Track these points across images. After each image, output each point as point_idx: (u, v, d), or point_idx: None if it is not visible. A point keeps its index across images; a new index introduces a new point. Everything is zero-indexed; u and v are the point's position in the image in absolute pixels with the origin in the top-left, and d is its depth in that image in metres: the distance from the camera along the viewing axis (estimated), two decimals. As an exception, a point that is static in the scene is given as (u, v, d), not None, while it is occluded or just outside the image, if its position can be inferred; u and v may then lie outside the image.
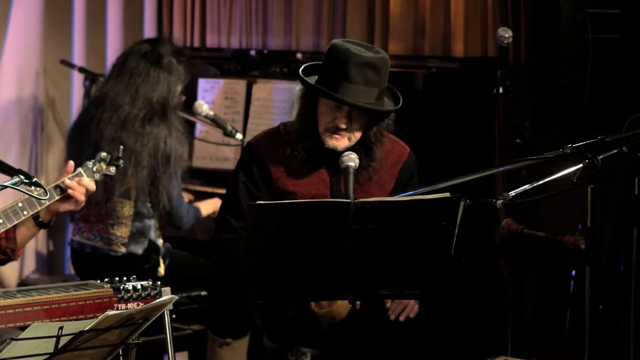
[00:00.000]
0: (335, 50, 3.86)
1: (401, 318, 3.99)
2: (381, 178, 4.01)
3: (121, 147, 3.89)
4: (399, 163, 4.05)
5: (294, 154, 3.97)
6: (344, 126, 3.87)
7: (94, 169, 3.79)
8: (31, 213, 3.56)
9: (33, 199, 3.51)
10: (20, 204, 3.53)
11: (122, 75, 4.91)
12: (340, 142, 3.89)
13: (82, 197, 3.63)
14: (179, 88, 4.97)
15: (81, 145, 4.89)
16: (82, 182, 3.64)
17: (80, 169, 3.78)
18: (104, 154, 3.85)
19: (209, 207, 5.20)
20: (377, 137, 3.95)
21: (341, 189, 3.87)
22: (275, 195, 3.98)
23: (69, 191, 3.60)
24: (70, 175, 3.70)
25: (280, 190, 3.98)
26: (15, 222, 3.55)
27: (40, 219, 3.65)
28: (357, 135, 3.91)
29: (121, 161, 3.88)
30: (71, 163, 3.69)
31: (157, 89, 4.87)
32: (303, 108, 3.96)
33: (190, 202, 5.24)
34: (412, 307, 3.99)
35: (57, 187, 3.59)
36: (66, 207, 3.64)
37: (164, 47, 4.96)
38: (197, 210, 5.15)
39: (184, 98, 5.06)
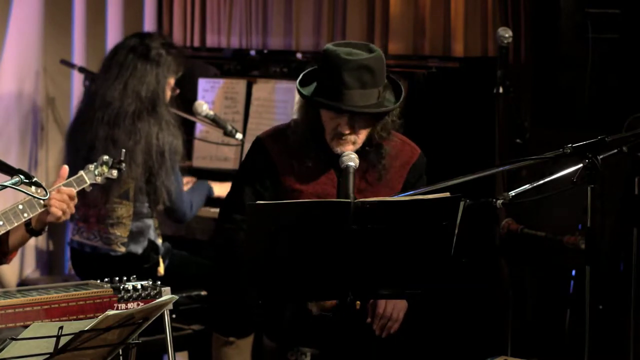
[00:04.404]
0: (328, 57, 3.84)
1: (384, 335, 3.97)
2: (391, 179, 4.00)
3: (123, 150, 3.89)
4: (408, 164, 4.03)
5: (302, 153, 3.96)
6: (347, 132, 3.86)
7: (96, 172, 3.79)
8: (31, 215, 3.55)
9: (33, 200, 3.50)
10: (20, 206, 3.53)
11: (110, 71, 4.91)
12: (346, 147, 3.88)
13: (62, 206, 3.59)
14: (170, 80, 4.95)
15: (77, 146, 4.88)
16: (62, 190, 3.62)
17: (81, 172, 3.77)
18: (105, 157, 3.84)
19: (223, 188, 5.16)
20: (381, 135, 3.94)
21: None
22: (280, 191, 3.97)
23: (48, 201, 3.55)
24: (71, 179, 3.69)
25: (285, 186, 3.98)
26: (16, 224, 3.54)
27: (31, 226, 3.64)
28: (362, 137, 3.90)
29: (123, 164, 3.87)
30: (65, 167, 3.68)
31: (146, 82, 4.85)
32: (305, 117, 3.96)
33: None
34: (394, 322, 3.97)
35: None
36: (51, 218, 3.61)
37: (153, 40, 4.95)
38: (210, 189, 5.14)
39: (177, 91, 5.04)
